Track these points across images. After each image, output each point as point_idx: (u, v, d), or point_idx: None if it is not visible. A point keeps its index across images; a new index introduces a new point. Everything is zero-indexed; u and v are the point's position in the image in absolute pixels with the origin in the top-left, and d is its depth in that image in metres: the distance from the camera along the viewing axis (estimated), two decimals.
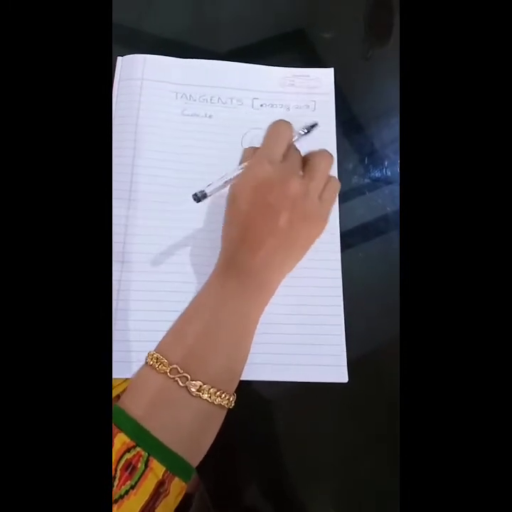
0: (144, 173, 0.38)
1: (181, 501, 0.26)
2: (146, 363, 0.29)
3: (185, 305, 0.34)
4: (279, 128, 0.32)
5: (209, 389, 0.27)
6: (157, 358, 0.28)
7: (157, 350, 0.29)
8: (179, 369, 0.27)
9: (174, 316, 0.34)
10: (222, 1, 0.47)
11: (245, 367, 0.31)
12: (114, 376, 0.32)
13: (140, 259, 0.36)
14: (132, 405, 0.27)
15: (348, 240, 0.38)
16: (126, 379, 0.32)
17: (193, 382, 0.26)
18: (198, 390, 0.26)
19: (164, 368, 0.27)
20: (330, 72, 0.43)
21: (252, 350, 0.32)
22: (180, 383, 0.26)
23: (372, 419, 0.33)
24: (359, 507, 0.32)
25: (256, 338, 0.33)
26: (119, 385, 0.32)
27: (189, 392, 0.26)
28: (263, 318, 0.33)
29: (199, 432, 0.27)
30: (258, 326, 0.33)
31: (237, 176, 0.31)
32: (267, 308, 0.33)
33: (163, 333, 0.33)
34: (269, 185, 0.29)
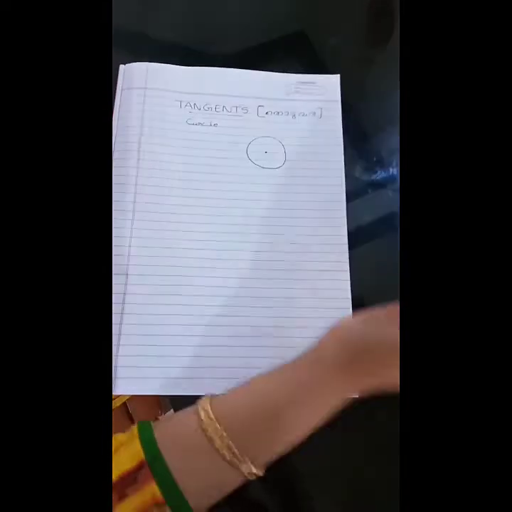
0: (148, 183, 0.37)
1: None
2: (198, 414, 0.25)
3: (192, 319, 0.34)
4: None
5: (253, 467, 0.25)
6: (212, 427, 0.24)
7: (215, 412, 0.25)
8: (235, 450, 0.24)
9: (181, 330, 0.33)
10: (226, 7, 0.46)
11: (248, 372, 0.29)
12: (120, 392, 0.32)
13: (145, 271, 0.35)
14: (172, 456, 0.24)
15: (354, 242, 0.38)
16: None
17: (246, 465, 0.24)
18: (249, 473, 0.25)
19: (217, 439, 0.24)
20: (336, 78, 0.42)
21: (256, 354, 0.32)
22: (233, 464, 0.24)
23: (376, 424, 0.33)
24: (361, 506, 0.32)
25: (261, 341, 0.33)
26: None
27: (240, 471, 0.24)
28: (268, 320, 0.34)
29: (221, 496, 0.26)
30: (264, 330, 0.33)
31: None
32: (273, 312, 0.34)
33: (170, 348, 0.33)
34: None
